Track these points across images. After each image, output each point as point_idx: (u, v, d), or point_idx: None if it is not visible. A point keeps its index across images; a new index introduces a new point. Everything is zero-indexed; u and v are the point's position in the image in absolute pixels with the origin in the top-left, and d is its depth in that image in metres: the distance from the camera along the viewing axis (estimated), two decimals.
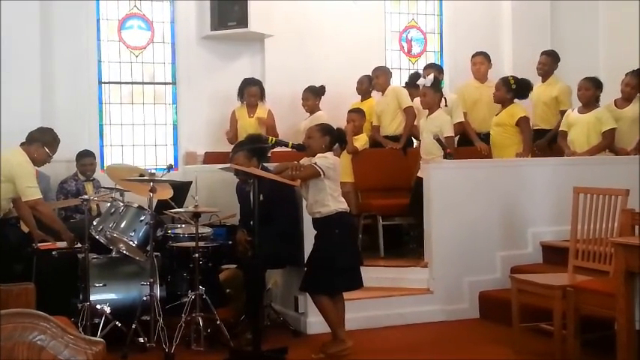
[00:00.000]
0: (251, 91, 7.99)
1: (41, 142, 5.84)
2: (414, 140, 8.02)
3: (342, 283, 5.25)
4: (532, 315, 5.32)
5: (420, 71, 8.19)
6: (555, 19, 9.89)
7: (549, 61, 8.03)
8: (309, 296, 5.40)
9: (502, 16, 9.84)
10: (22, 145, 5.90)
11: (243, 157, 5.67)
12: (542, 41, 9.44)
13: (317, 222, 5.27)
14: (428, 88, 6.82)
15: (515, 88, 7.28)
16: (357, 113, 7.63)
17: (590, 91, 7.25)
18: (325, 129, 5.33)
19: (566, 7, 9.91)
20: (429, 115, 6.88)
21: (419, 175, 6.72)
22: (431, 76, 6.91)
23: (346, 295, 5.35)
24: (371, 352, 5.38)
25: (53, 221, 5.83)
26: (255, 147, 5.76)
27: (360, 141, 7.51)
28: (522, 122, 7.20)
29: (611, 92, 7.64)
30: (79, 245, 5.75)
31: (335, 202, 5.17)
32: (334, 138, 5.32)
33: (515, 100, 7.33)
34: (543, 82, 8.04)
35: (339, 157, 5.51)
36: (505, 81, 7.36)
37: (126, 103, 8.61)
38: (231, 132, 8.01)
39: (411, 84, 8.06)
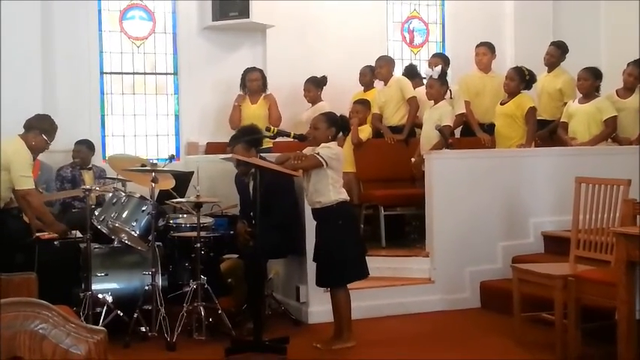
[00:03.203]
0: (252, 75, 7.99)
1: (39, 130, 5.84)
2: (417, 130, 8.01)
3: (351, 274, 5.24)
4: (533, 305, 5.33)
5: (415, 63, 8.18)
6: (557, 8, 9.85)
7: (557, 53, 7.98)
8: (330, 290, 5.30)
9: (504, 6, 9.81)
10: (20, 135, 5.90)
11: (241, 150, 5.68)
12: (544, 32, 9.43)
13: (317, 212, 5.25)
14: (435, 80, 6.80)
15: (529, 79, 7.27)
16: (362, 105, 7.62)
17: (589, 81, 7.23)
18: (331, 119, 5.29)
19: None
20: (433, 106, 6.88)
21: None
22: (438, 68, 6.88)
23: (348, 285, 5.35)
24: (372, 341, 5.39)
25: (42, 213, 5.80)
26: (252, 138, 5.76)
27: (364, 132, 7.51)
28: (530, 113, 7.19)
29: (612, 86, 7.62)
30: (77, 235, 5.78)
31: (335, 193, 5.14)
32: (339, 128, 5.31)
33: (523, 91, 7.32)
34: (549, 72, 8.02)
35: (341, 146, 5.50)
36: (519, 71, 7.27)
37: (127, 94, 8.60)
38: (235, 116, 7.97)
39: (408, 75, 8.05)
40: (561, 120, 7.45)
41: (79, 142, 7.57)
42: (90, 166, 7.57)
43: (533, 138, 7.26)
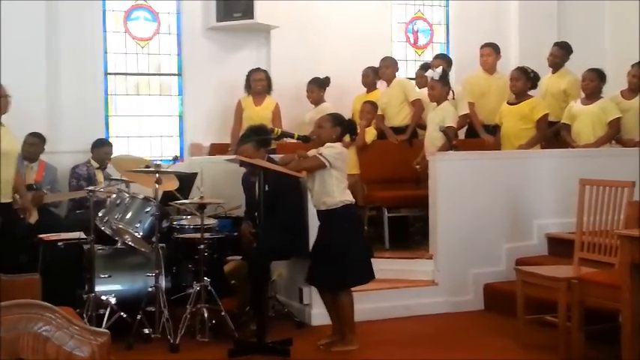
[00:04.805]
0: (257, 75, 7.94)
1: None
2: (419, 131, 7.98)
3: (355, 278, 5.21)
4: (537, 307, 5.32)
5: (419, 64, 8.16)
6: (562, 9, 9.84)
7: (561, 53, 7.95)
8: (333, 293, 5.26)
9: (509, 6, 9.79)
10: None
11: (251, 149, 5.66)
12: (548, 32, 9.41)
13: (322, 214, 5.22)
14: (436, 81, 6.77)
15: (533, 77, 7.26)
16: (371, 105, 7.61)
17: (595, 82, 7.21)
18: (337, 119, 5.27)
19: None
20: (436, 107, 6.87)
21: None
22: (439, 69, 6.86)
23: None
24: (375, 343, 5.38)
25: None
26: (262, 138, 5.76)
27: (369, 135, 7.50)
28: (543, 119, 7.18)
29: (617, 85, 7.61)
30: (81, 236, 5.77)
31: (340, 194, 5.11)
32: (345, 129, 5.29)
33: (531, 92, 7.31)
34: (553, 73, 8.00)
35: (347, 148, 5.48)
36: (523, 71, 7.27)
37: (132, 95, 8.60)
38: (236, 124, 7.96)
39: (423, 69, 7.98)
40: (563, 122, 7.42)
41: (109, 144, 7.61)
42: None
43: (538, 143, 7.23)
